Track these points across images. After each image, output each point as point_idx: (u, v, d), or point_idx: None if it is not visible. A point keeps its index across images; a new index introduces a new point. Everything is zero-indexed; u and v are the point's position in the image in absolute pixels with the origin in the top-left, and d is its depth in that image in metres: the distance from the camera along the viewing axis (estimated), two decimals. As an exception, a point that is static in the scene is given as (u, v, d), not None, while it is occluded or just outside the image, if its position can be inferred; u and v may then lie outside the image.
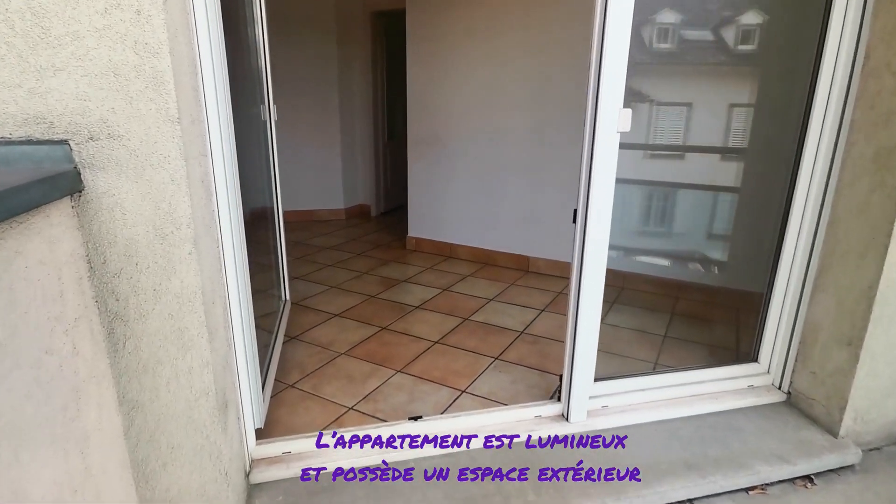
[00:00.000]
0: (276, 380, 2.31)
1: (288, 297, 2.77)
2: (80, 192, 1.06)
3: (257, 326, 2.53)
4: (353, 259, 4.13)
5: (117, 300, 1.13)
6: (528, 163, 3.70)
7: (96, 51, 1.02)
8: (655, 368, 2.48)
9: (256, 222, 2.75)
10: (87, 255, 1.09)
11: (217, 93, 1.35)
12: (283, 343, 2.66)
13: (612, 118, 1.57)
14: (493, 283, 3.63)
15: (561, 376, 1.98)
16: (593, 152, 1.61)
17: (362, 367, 2.47)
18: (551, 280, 3.70)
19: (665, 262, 3.12)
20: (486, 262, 4.05)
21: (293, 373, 2.41)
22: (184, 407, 1.24)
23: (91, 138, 1.05)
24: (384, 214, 5.70)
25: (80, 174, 1.06)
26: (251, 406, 1.63)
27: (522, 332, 2.86)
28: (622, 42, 1.52)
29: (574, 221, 1.77)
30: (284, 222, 2.82)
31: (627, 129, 1.62)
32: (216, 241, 1.36)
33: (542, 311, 3.16)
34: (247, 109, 2.33)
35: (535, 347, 2.68)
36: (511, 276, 3.78)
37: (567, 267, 3.85)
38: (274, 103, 2.47)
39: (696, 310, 3.05)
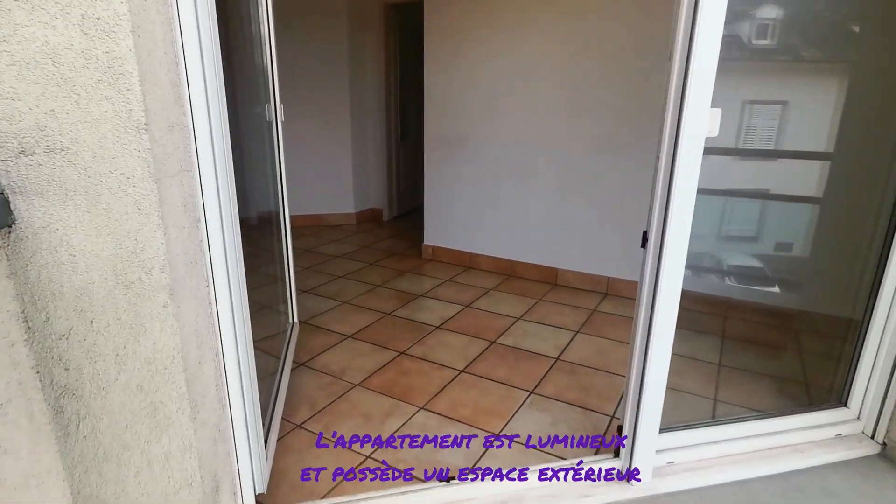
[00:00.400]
0: (282, 418, 2.02)
1: (296, 319, 2.47)
2: (10, 226, 0.77)
3: (262, 351, 2.25)
4: (365, 269, 3.83)
5: (66, 370, 0.84)
6: (557, 167, 3.38)
7: (27, 29, 0.72)
8: (716, 406, 2.16)
9: (260, 234, 2.46)
10: (23, 312, 0.80)
11: (208, 89, 1.05)
12: (291, 371, 2.37)
13: (700, 121, 1.26)
14: (519, 298, 3.32)
15: (620, 427, 1.67)
16: (674, 162, 1.30)
17: (380, 402, 2.17)
18: (582, 295, 3.38)
19: (718, 278, 2.80)
20: (509, 273, 3.74)
21: (302, 409, 2.12)
22: (160, 502, 0.95)
23: (23, 152, 0.75)
24: (397, 219, 5.41)
25: (8, 202, 0.76)
26: (251, 472, 1.33)
27: (557, 358, 2.55)
28: (715, 29, 1.20)
29: (643, 246, 1.45)
30: (292, 232, 2.53)
31: (715, 133, 1.31)
32: (205, 280, 1.07)
33: (577, 332, 2.84)
34: (249, 108, 2.04)
35: (574, 378, 2.37)
36: (538, 290, 3.47)
37: (599, 281, 3.57)
38: (281, 102, 2.17)
39: (754, 334, 2.72)
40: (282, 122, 2.17)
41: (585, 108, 3.19)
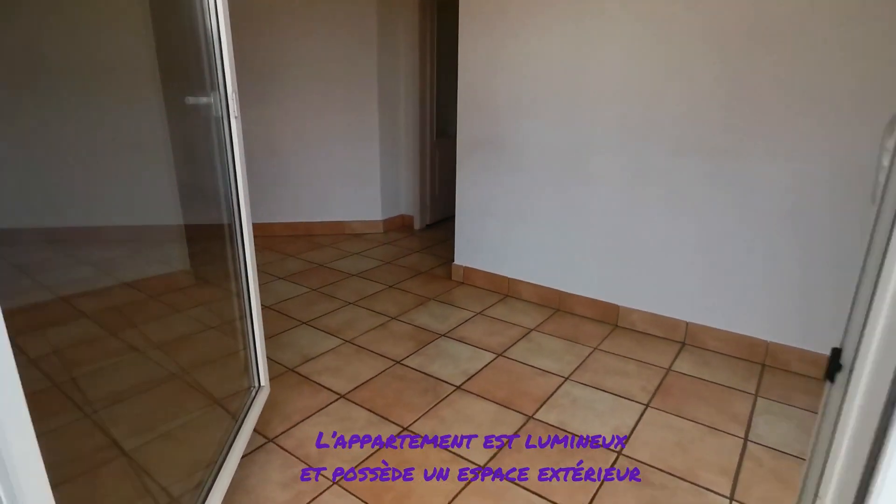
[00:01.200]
0: (215, 541, 1.40)
1: (262, 382, 1.86)
2: None
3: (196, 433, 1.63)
4: (382, 294, 3.20)
5: None
6: (624, 176, 2.61)
7: None
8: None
9: (202, 261, 1.86)
10: None
11: None
12: (247, 455, 1.76)
13: None
14: (568, 345, 2.58)
15: None
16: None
17: (360, 518, 1.52)
18: (652, 344, 2.59)
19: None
20: (557, 307, 3.00)
21: (249, 524, 1.50)
22: None
23: None
24: (430, 227, 4.76)
25: None
26: None
27: (620, 452, 1.81)
28: None
29: (831, 377, 0.71)
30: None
31: None
32: None
33: (646, 406, 2.08)
34: (173, 97, 1.43)
35: (647, 493, 1.62)
36: (594, 332, 2.71)
37: (674, 326, 2.75)
38: (235, 91, 1.54)
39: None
40: (235, 116, 1.55)
41: (662, 99, 2.40)
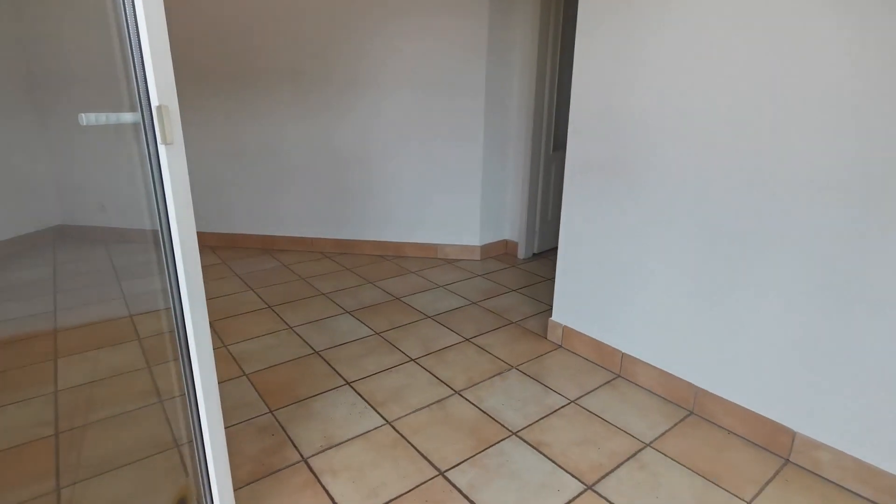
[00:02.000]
0: None
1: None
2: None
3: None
4: (454, 350, 2.55)
5: None
6: (821, 242, 1.63)
7: None
8: None
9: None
10: None
11: None
12: None
13: None
14: (704, 486, 1.68)
15: None
16: None
17: None
18: (847, 502, 1.58)
19: None
20: (691, 409, 2.08)
21: None
22: None
23: None
24: (537, 257, 3.98)
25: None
26: None
27: None
28: None
29: None
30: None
31: None
32: None
33: None
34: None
35: None
36: (748, 468, 1.76)
37: (892, 484, 1.52)
38: (166, 106, 1.00)
39: None
40: (168, 143, 1.01)
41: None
